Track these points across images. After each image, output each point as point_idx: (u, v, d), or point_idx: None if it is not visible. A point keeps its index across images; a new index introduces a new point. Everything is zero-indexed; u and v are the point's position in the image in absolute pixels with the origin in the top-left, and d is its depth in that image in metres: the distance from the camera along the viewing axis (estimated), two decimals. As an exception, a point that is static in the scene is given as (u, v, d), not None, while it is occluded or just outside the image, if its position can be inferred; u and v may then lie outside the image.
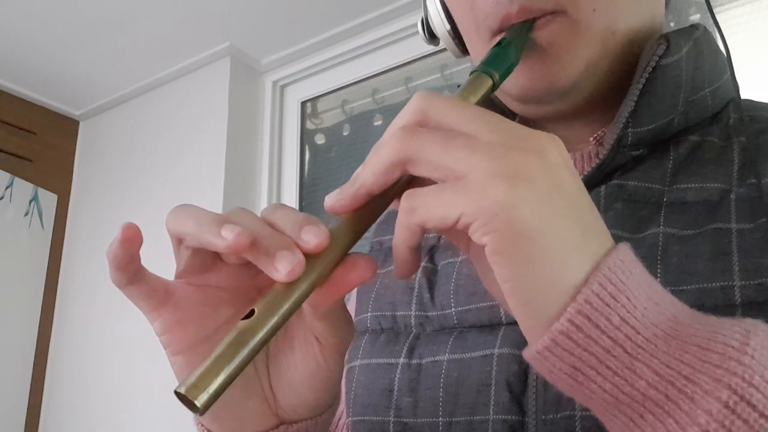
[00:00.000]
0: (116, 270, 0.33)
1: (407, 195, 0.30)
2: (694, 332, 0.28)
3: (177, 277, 0.36)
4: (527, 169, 0.28)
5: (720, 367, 0.26)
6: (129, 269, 0.34)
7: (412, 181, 0.33)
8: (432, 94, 0.32)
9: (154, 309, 0.35)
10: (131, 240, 0.32)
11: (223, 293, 0.37)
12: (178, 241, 0.34)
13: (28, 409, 2.11)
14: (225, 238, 0.30)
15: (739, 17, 1.43)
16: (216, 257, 0.36)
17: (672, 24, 1.46)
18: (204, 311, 0.36)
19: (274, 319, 0.30)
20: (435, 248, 0.53)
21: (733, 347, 0.27)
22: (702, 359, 0.27)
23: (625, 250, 0.30)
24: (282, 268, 0.30)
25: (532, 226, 0.27)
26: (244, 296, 0.37)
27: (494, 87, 0.39)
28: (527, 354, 0.30)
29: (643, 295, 0.29)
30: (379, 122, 1.99)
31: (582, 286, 0.28)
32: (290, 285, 0.30)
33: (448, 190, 0.28)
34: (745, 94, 0.50)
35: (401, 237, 0.31)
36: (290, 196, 2.05)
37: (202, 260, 0.35)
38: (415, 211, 0.30)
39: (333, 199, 0.32)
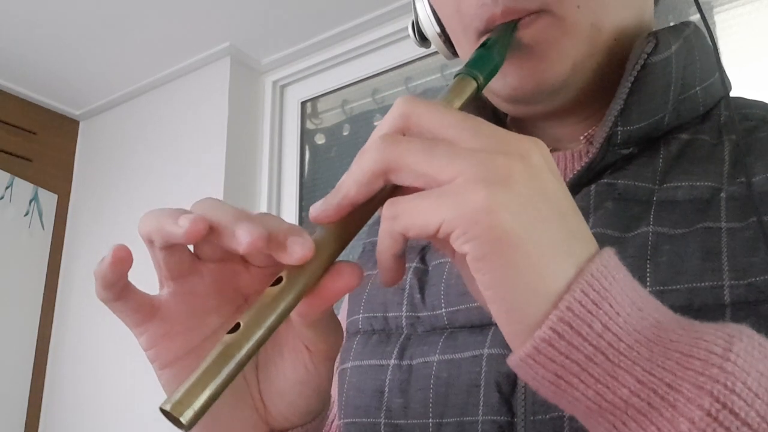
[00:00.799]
0: (103, 288, 0.33)
1: (389, 203, 0.30)
2: (677, 338, 0.28)
3: (160, 285, 0.36)
4: (508, 173, 0.28)
5: (702, 374, 0.26)
6: (116, 287, 0.34)
7: (396, 189, 0.32)
8: (414, 99, 0.31)
9: (140, 324, 0.35)
10: (122, 261, 0.32)
11: (208, 302, 0.36)
12: (150, 244, 0.34)
13: (28, 409, 2.11)
14: (181, 226, 0.30)
15: (739, 17, 1.42)
16: (194, 258, 0.35)
17: (672, 24, 1.46)
18: (190, 323, 0.36)
19: (260, 332, 0.29)
20: (426, 248, 0.53)
21: (715, 354, 0.26)
22: (684, 366, 0.27)
23: (609, 255, 0.29)
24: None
25: (513, 231, 0.27)
26: (230, 305, 0.37)
27: (479, 89, 0.38)
28: (511, 360, 0.29)
29: (626, 300, 0.28)
30: (379, 122, 1.99)
31: (564, 293, 0.27)
32: (276, 297, 0.30)
33: (429, 197, 0.28)
34: (745, 95, 0.50)
35: (384, 245, 0.31)
36: (290, 196, 2.05)
37: (179, 261, 0.34)
38: (396, 219, 0.29)
39: (317, 210, 0.32)
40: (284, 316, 0.30)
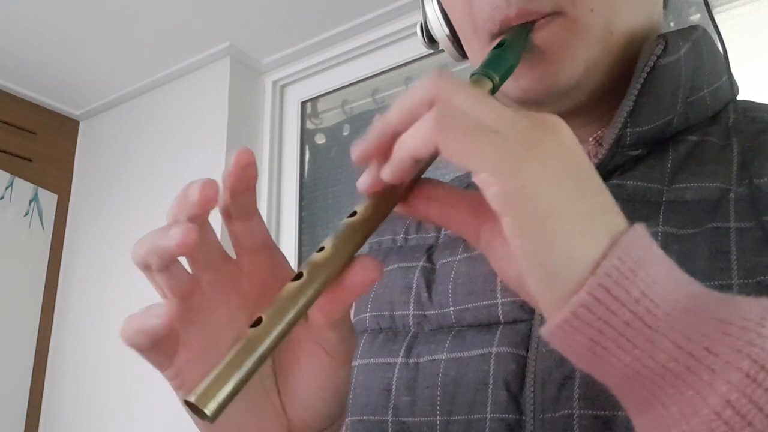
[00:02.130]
0: (140, 333, 0.32)
1: (442, 105, 0.30)
2: (712, 306, 0.28)
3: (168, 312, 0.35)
4: (542, 148, 0.28)
5: (740, 339, 0.26)
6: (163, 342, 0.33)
7: (414, 185, 0.33)
8: (446, 77, 0.31)
9: (167, 365, 0.35)
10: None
11: (218, 317, 0.36)
12: (148, 270, 0.33)
13: (28, 409, 2.11)
14: (172, 237, 0.30)
15: (739, 17, 1.43)
16: (190, 275, 0.35)
17: (672, 24, 1.46)
18: (206, 343, 0.36)
19: (281, 326, 0.30)
20: (433, 248, 0.53)
21: (751, 320, 0.27)
22: (722, 331, 0.27)
23: (642, 229, 0.30)
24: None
25: (550, 202, 0.28)
26: (241, 315, 0.37)
27: (494, 89, 0.39)
28: (545, 331, 0.29)
29: (661, 270, 0.29)
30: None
31: (601, 260, 0.28)
32: (296, 291, 0.31)
33: (485, 142, 0.28)
34: (745, 94, 0.50)
35: (414, 142, 0.30)
36: (290, 196, 2.04)
37: (179, 281, 0.33)
38: (446, 136, 0.28)
39: (359, 148, 0.32)
40: (305, 309, 0.31)
